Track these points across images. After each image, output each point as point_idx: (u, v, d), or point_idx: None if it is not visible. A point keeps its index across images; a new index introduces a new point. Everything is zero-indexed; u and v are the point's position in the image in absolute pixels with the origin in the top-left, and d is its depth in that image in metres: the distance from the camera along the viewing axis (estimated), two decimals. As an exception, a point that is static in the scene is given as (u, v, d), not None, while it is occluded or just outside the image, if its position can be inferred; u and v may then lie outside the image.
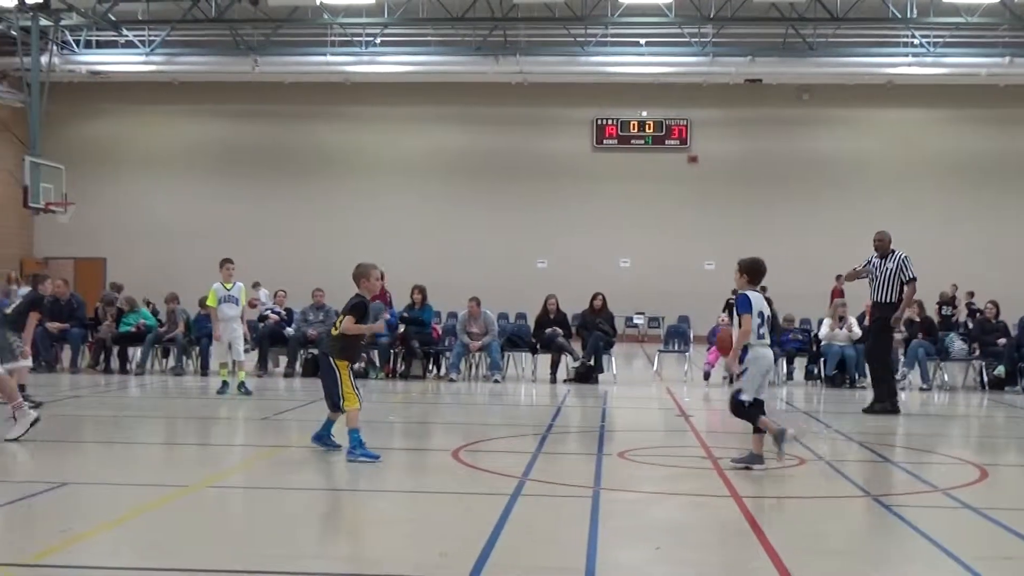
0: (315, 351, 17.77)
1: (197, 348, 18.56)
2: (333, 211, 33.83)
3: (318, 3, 27.97)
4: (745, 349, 8.82)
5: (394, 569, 5.89)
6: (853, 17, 28.65)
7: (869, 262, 13.87)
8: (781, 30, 29.78)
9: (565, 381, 17.77)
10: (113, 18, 29.64)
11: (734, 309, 9.09)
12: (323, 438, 9.68)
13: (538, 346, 18.51)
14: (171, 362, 18.91)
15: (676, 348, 20.66)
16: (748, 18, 29.06)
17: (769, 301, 9.25)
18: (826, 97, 33.02)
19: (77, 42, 31.53)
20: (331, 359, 9.43)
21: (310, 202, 34.01)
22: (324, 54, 31.03)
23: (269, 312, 19.57)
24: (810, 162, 33.41)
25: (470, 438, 10.91)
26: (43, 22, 28.12)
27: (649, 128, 34.09)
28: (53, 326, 18.44)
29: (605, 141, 34.15)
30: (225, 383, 14.89)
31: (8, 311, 13.65)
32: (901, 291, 13.56)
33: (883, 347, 14.02)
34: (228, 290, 15.10)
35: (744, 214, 33.17)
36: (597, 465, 9.35)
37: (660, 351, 20.69)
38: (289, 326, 18.95)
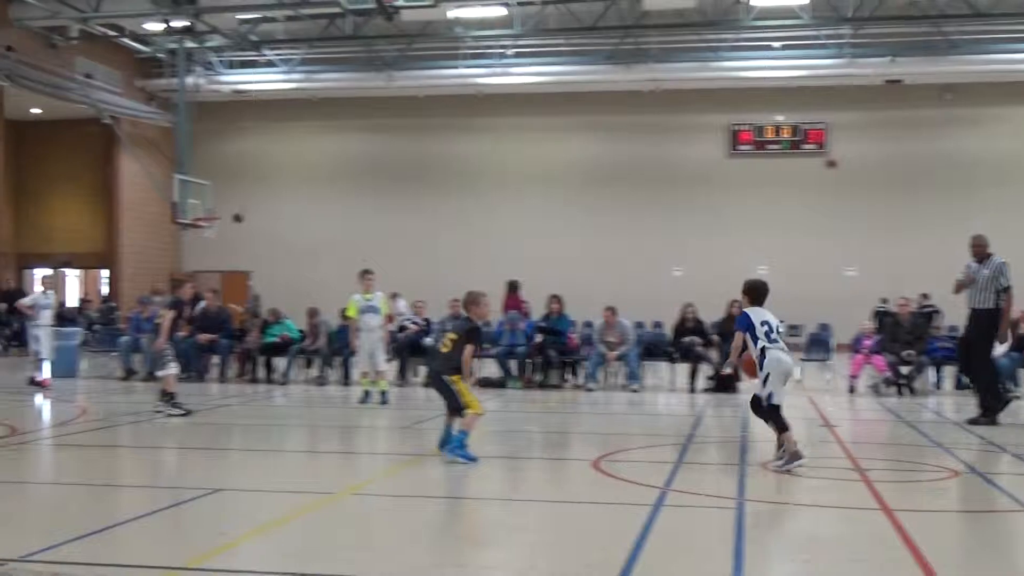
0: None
1: (339, 358, 18.96)
2: (469, 222, 34.16)
3: (451, 17, 28.30)
4: (764, 354, 9.34)
5: (539, 578, 5.91)
6: (998, 12, 27.63)
7: (968, 267, 13.40)
8: (922, 28, 28.90)
9: (704, 390, 17.57)
10: (255, 38, 30.54)
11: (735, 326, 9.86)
12: (456, 449, 9.70)
13: (676, 355, 18.36)
14: (314, 372, 19.35)
15: (817, 357, 20.20)
16: (887, 17, 28.29)
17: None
18: (970, 96, 31.93)
19: (220, 62, 32.59)
20: (443, 376, 9.69)
21: (446, 213, 34.41)
22: (457, 67, 31.40)
23: (408, 323, 19.85)
24: (954, 164, 32.34)
25: (609, 448, 10.86)
26: (189, 44, 29.15)
27: (785, 133, 33.48)
28: (204, 337, 19.09)
29: (740, 147, 33.68)
30: (367, 392, 15.17)
31: (157, 320, 14.25)
32: (998, 298, 13.03)
33: (980, 356, 13.43)
34: (368, 301, 15.38)
35: (886, 218, 32.31)
36: (740, 476, 9.20)
37: (801, 360, 20.27)
38: (428, 336, 19.19)
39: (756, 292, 9.81)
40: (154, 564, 5.95)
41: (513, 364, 18.38)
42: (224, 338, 19.50)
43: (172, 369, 13.62)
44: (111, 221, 33.28)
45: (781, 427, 9.31)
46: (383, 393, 15.11)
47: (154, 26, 28.63)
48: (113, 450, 11.39)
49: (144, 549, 6.42)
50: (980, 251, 13.38)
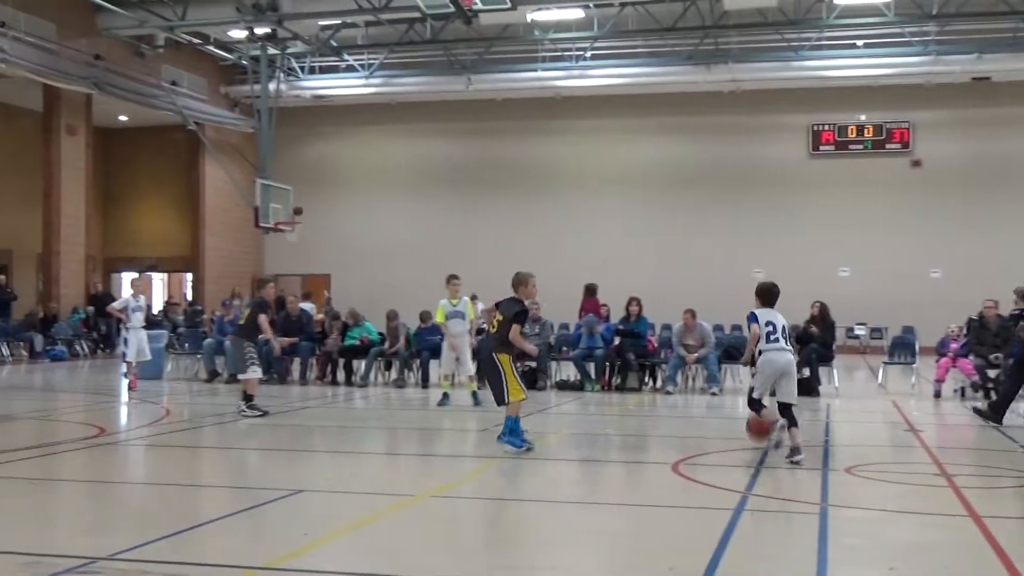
0: (532, 364, 18.08)
1: (418, 361, 19.07)
2: (547, 225, 34.14)
3: (529, 20, 28.32)
4: (761, 354, 10.35)
5: (619, 583, 5.88)
6: (1091, 7, 26.89)
7: None
8: (1011, 24, 28.23)
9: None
10: (335, 44, 30.88)
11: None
12: (509, 437, 10.36)
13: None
14: (393, 374, 19.49)
15: (902, 360, 19.84)
16: (974, 13, 27.63)
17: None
18: (1062, 93, 31.13)
19: (302, 68, 33.03)
20: (494, 355, 10.25)
21: (524, 216, 34.44)
22: (535, 70, 31.42)
23: (485, 325, 19.87)
24: (1044, 162, 31.55)
25: (689, 451, 10.77)
26: (271, 51, 29.56)
27: (868, 132, 32.92)
28: (284, 341, 19.29)
29: (821, 147, 33.18)
30: (446, 395, 15.23)
31: (241, 322, 14.47)
32: None
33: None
34: (454, 306, 15.40)
35: (972, 220, 31.60)
36: (823, 481, 9.07)
37: (885, 363, 19.92)
38: (505, 339, 19.18)
39: (767, 295, 10.67)
40: (238, 564, 6.04)
41: (591, 367, 18.31)
42: (305, 341, 19.71)
43: (254, 373, 13.83)
44: (195, 225, 33.89)
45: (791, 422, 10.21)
46: (473, 394, 15.32)
47: (238, 33, 29.07)
48: (197, 451, 11.60)
49: (228, 549, 6.52)
50: None
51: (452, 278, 15.56)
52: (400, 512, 7.70)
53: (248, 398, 13.65)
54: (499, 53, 31.61)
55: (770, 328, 10.33)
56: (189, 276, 34.98)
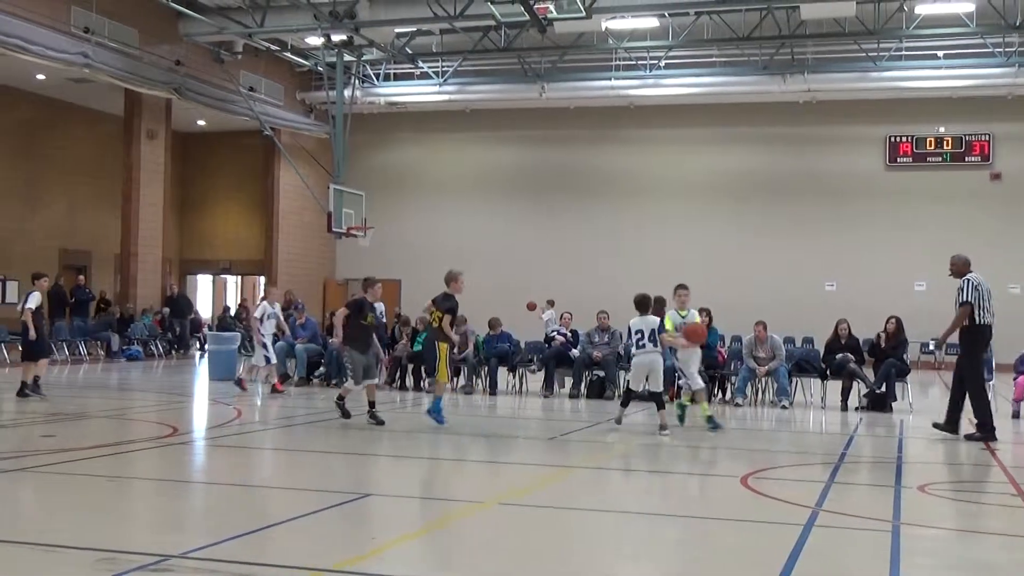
0: (600, 373, 18.09)
1: (486, 368, 19.10)
2: (617, 234, 34.03)
3: (603, 29, 28.28)
4: (633, 357, 12.98)
5: (685, 596, 5.83)
6: None
7: None
8: (1097, 35, 27.58)
9: (857, 409, 17.08)
10: (410, 51, 31.11)
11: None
12: (433, 412, 13.09)
13: (828, 372, 17.92)
14: (461, 380, 19.53)
15: (978, 377, 19.36)
16: (1059, 24, 27.07)
17: None
18: None
19: (377, 75, 33.31)
20: (435, 343, 12.81)
21: (595, 225, 34.37)
22: (609, 78, 31.38)
23: (555, 334, 19.88)
24: None
25: (757, 465, 10.65)
26: (347, 58, 29.87)
27: (947, 144, 32.34)
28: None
29: (899, 159, 32.68)
30: (683, 407, 14.40)
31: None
32: (972, 314, 13.44)
33: (963, 370, 13.66)
34: (683, 317, 13.94)
35: (1054, 234, 30.89)
36: (895, 498, 8.91)
37: (960, 380, 19.48)
38: (574, 348, 19.18)
39: (640, 305, 12.95)
40: (305, 565, 6.08)
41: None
42: (375, 345, 19.82)
43: (350, 385, 13.91)
44: (268, 229, 34.32)
45: (623, 403, 13.34)
46: (709, 419, 13.80)
47: (315, 40, 29.40)
48: (266, 452, 11.73)
49: (296, 550, 6.57)
50: (955, 270, 14.17)
51: (680, 288, 14.12)
52: (467, 518, 7.72)
53: (340, 400, 13.81)
54: (573, 61, 31.62)
55: (639, 335, 12.62)
56: (262, 279, 35.43)
